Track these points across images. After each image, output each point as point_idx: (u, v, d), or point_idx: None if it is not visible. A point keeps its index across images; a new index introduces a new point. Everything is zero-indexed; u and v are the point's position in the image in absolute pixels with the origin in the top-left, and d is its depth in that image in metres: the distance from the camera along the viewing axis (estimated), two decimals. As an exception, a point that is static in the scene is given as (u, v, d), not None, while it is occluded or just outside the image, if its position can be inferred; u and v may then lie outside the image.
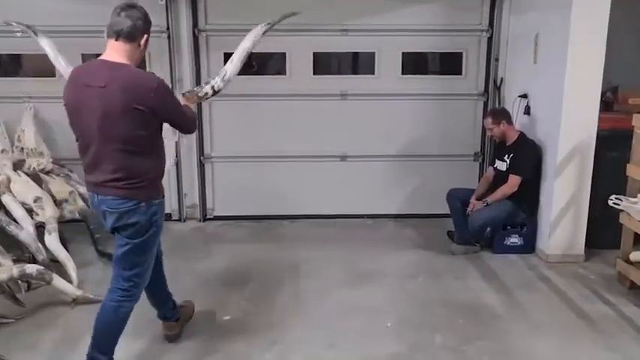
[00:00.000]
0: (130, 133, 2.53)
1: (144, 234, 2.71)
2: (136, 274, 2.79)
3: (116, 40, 2.57)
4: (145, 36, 2.64)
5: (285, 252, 4.62)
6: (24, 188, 4.13)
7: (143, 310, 3.06)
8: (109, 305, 2.79)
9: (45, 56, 3.61)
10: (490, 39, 5.15)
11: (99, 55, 2.65)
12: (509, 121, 4.52)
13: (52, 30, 4.83)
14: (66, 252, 3.88)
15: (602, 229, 4.28)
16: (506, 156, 4.51)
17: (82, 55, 5.01)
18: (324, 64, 5.22)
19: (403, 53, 5.17)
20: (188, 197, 5.39)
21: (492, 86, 5.23)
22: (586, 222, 4.31)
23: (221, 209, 5.43)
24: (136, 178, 2.61)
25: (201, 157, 5.29)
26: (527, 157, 4.42)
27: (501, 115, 4.54)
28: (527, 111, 4.68)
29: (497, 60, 5.18)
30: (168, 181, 5.30)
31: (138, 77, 2.55)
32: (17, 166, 4.74)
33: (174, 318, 3.26)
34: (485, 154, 5.33)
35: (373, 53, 5.17)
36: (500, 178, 4.56)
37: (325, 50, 5.19)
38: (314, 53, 5.14)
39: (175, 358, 3.10)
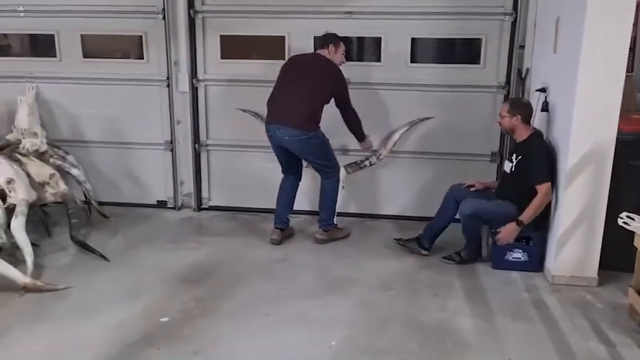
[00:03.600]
0: None
1: None
2: None
3: None
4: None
5: (266, 250, 4.33)
6: (-4, 169, 4.08)
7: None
8: None
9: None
10: (514, 23, 4.52)
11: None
12: (526, 119, 3.91)
13: (57, 10, 4.88)
14: (25, 237, 3.78)
15: (621, 249, 3.55)
16: (514, 156, 3.95)
17: (82, 35, 4.98)
18: (325, 49, 4.80)
19: (413, 39, 4.66)
20: (185, 185, 5.22)
21: (515, 77, 4.60)
22: (601, 240, 3.66)
23: (217, 199, 5.21)
24: None
25: (196, 145, 5.07)
26: (541, 159, 3.81)
27: (521, 108, 3.93)
28: (545, 107, 4.04)
29: (522, 47, 4.55)
30: (163, 168, 5.17)
31: None
32: (13, 146, 4.78)
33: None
34: (504, 155, 4.71)
35: (379, 39, 4.71)
36: (505, 181, 3.98)
37: (327, 34, 4.77)
38: (315, 37, 4.72)
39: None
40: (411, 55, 4.68)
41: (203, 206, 5.23)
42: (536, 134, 3.95)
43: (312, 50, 4.52)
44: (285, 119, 4.08)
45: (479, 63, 4.65)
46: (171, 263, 4.03)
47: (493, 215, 3.94)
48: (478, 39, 4.61)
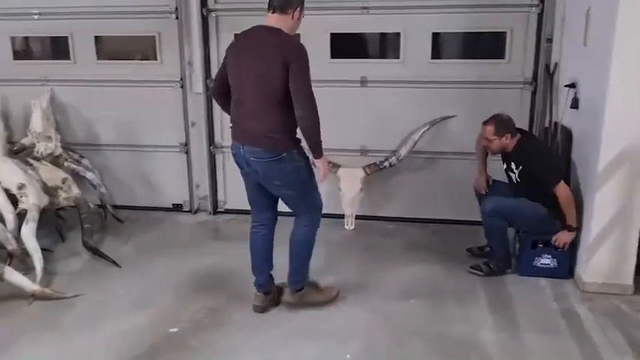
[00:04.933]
0: None
1: None
2: None
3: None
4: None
5: (279, 256, 4.10)
6: (8, 175, 4.03)
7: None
8: None
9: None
10: (540, 15, 4.28)
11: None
12: (513, 133, 3.67)
13: (71, 12, 4.82)
14: (35, 243, 3.71)
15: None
16: (513, 165, 3.72)
17: (95, 37, 4.91)
18: (342, 46, 4.62)
19: (434, 34, 4.45)
20: (200, 188, 5.11)
21: (543, 73, 4.36)
22: (637, 244, 3.42)
23: (233, 202, 5.08)
24: None
25: (211, 147, 4.96)
26: (542, 163, 3.59)
27: (506, 125, 3.65)
28: (574, 104, 3.80)
29: (549, 41, 4.30)
30: (178, 170, 5.07)
31: None
32: (28, 150, 4.75)
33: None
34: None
35: (398, 34, 4.51)
36: (517, 189, 3.77)
37: (344, 31, 4.59)
38: (331, 34, 4.58)
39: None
40: (432, 51, 4.47)
41: (219, 209, 5.11)
42: (524, 137, 3.70)
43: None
44: (247, 134, 3.00)
45: (504, 58, 4.42)
46: (184, 270, 3.91)
47: (518, 212, 3.68)
48: (503, 32, 4.38)
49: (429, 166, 4.72)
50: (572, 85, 3.83)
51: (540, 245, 3.70)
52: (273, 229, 3.34)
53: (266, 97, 2.89)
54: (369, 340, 3.02)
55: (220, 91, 3.14)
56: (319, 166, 3.09)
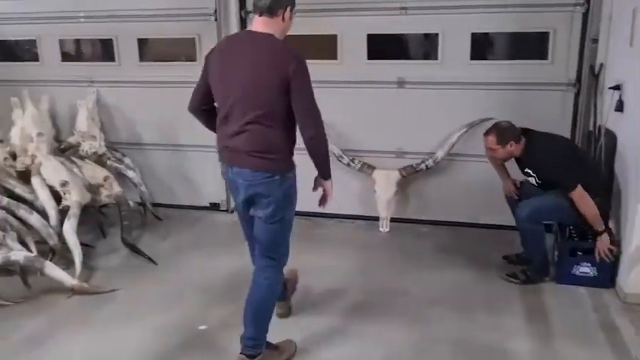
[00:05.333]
0: None
1: None
2: None
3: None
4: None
5: (312, 256, 4.14)
6: (53, 172, 4.18)
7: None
8: None
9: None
10: (585, 15, 4.12)
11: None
12: (518, 140, 3.52)
13: (115, 15, 4.97)
14: (76, 239, 3.84)
15: None
16: (527, 169, 3.62)
17: (138, 39, 5.04)
18: (379, 47, 4.56)
19: (473, 34, 4.35)
20: (238, 188, 5.17)
21: (588, 74, 4.20)
22: (683, 256, 3.25)
23: (269, 203, 5.12)
24: None
25: (248, 147, 5.01)
26: (555, 166, 3.44)
27: (510, 133, 3.52)
28: (619, 107, 3.64)
29: (594, 41, 4.13)
30: (215, 170, 5.13)
31: None
32: (74, 149, 4.92)
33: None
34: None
35: (436, 35, 4.43)
36: (541, 187, 3.66)
37: (381, 32, 4.54)
38: (368, 35, 4.54)
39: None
40: (471, 52, 4.37)
41: (255, 209, 5.15)
42: (531, 141, 3.54)
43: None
44: (235, 154, 2.63)
45: (546, 59, 4.27)
46: (218, 268, 3.97)
47: (553, 209, 3.56)
48: (546, 32, 4.23)
49: (466, 169, 4.61)
50: (617, 87, 3.68)
51: (579, 253, 3.57)
52: None
53: (258, 113, 2.50)
54: (393, 346, 2.98)
55: (200, 106, 2.79)
56: (328, 190, 2.74)
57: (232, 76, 2.55)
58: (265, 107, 2.51)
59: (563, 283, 3.61)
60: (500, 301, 3.45)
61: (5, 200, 3.87)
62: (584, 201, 3.39)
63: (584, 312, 3.31)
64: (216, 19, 4.74)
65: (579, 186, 3.36)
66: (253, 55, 2.52)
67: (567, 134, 4.26)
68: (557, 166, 3.43)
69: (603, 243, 3.45)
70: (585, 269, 3.56)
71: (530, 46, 4.36)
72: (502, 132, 3.53)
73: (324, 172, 2.69)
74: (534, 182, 3.64)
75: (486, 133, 3.60)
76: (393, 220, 4.64)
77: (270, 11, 2.53)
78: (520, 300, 3.46)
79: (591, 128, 4.16)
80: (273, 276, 2.75)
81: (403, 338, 3.06)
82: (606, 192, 3.67)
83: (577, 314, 3.29)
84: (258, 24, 2.56)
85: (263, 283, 2.73)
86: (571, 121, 4.31)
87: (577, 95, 4.26)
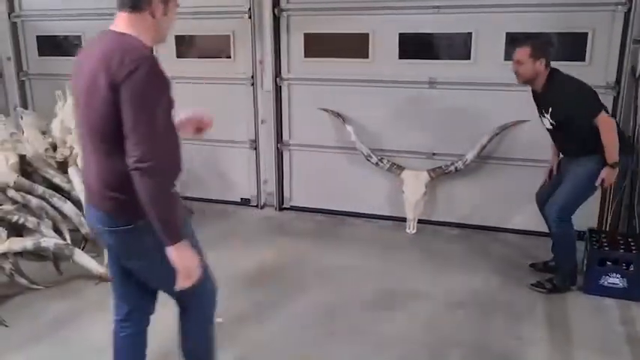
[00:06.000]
0: None
1: None
2: None
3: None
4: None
5: (335, 256, 4.18)
6: (88, 163, 4.33)
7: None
8: None
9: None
10: (627, 14, 3.95)
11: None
12: (549, 63, 3.36)
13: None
14: (106, 228, 3.97)
15: None
16: (544, 110, 3.44)
17: (175, 36, 5.15)
18: (411, 46, 4.52)
19: (507, 34, 4.24)
20: (268, 184, 5.23)
21: (628, 76, 4.03)
22: None
23: (298, 199, 5.15)
24: None
25: (279, 144, 5.05)
26: (578, 95, 3.30)
27: (545, 50, 3.39)
28: (657, 110, 3.49)
29: (636, 42, 3.96)
30: (247, 166, 5.21)
31: None
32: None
33: None
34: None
35: (470, 34, 4.34)
36: (556, 139, 3.54)
37: (413, 31, 4.50)
38: (400, 34, 4.50)
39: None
40: (505, 52, 4.26)
41: (284, 206, 5.20)
42: (555, 74, 3.37)
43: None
44: (89, 192, 2.11)
45: (584, 60, 4.12)
46: (241, 263, 4.02)
47: (576, 195, 3.43)
48: (584, 33, 4.09)
49: (496, 172, 4.51)
50: (655, 91, 3.52)
51: (609, 263, 3.44)
52: (146, 328, 2.48)
53: (99, 139, 1.93)
54: (408, 349, 2.96)
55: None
56: (175, 261, 1.95)
57: (78, 92, 2.01)
58: (104, 132, 1.90)
59: (590, 294, 3.48)
60: (523, 308, 3.36)
61: (41, 189, 4.04)
62: (609, 126, 3.26)
63: (610, 324, 3.19)
64: (250, 17, 4.80)
65: (603, 111, 3.25)
66: (93, 61, 1.90)
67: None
68: (582, 91, 3.32)
69: (611, 175, 3.31)
70: (615, 280, 3.43)
71: (567, 46, 4.22)
72: (538, 46, 3.41)
73: (162, 231, 1.90)
74: (548, 124, 3.47)
75: (520, 45, 3.45)
76: (420, 221, 4.59)
77: (131, 5, 1.94)
78: (543, 308, 3.36)
79: (630, 133, 3.99)
80: (199, 315, 2.49)
81: (419, 340, 3.03)
82: (629, 148, 3.59)
83: (602, 326, 3.17)
84: (119, 21, 1.98)
85: (193, 329, 2.50)
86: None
87: (616, 98, 4.10)
